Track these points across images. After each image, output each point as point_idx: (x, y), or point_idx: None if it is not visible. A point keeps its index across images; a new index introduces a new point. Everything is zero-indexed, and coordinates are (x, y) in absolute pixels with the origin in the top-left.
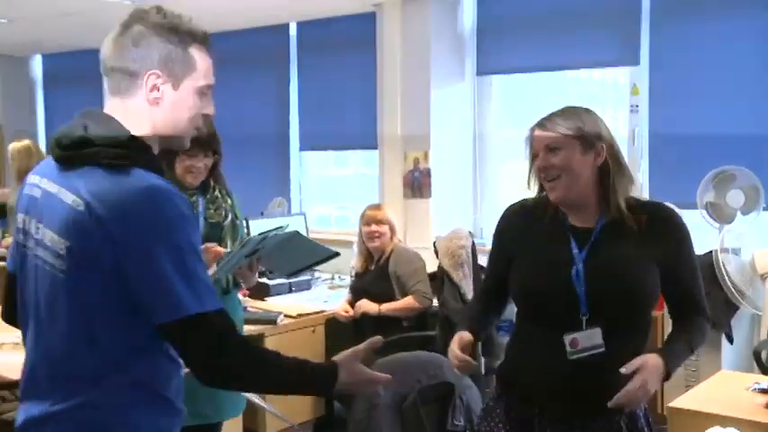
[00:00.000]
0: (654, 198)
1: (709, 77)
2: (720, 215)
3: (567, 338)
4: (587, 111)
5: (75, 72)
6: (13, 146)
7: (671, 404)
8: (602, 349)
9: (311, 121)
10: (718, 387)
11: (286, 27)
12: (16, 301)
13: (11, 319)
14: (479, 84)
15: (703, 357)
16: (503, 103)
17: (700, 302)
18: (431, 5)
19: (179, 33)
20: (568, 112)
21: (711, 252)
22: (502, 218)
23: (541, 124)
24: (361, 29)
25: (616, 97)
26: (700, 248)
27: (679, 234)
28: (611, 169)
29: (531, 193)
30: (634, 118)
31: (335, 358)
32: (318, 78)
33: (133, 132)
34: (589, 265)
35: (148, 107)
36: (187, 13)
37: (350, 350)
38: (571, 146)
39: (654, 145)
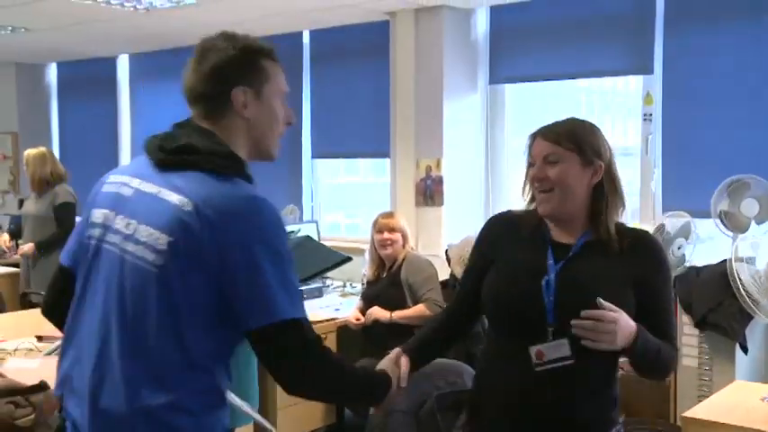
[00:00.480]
0: (668, 207)
1: (723, 85)
2: (734, 224)
3: (533, 350)
4: (591, 126)
5: (89, 79)
6: (28, 153)
7: (685, 414)
8: (571, 362)
9: (323, 129)
10: (732, 397)
11: (299, 35)
12: (61, 295)
13: (52, 312)
14: (492, 92)
15: (717, 367)
16: (515, 111)
17: (669, 332)
18: (444, 14)
19: (250, 51)
20: (572, 125)
21: (725, 261)
22: (484, 226)
23: (543, 133)
24: (375, 37)
25: (629, 106)
26: (713, 258)
27: (658, 261)
28: (605, 189)
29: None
30: (647, 127)
31: (381, 368)
32: (331, 86)
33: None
34: (561, 276)
35: (241, 123)
36: (200, 23)
37: (388, 360)
38: (570, 160)
39: (667, 154)
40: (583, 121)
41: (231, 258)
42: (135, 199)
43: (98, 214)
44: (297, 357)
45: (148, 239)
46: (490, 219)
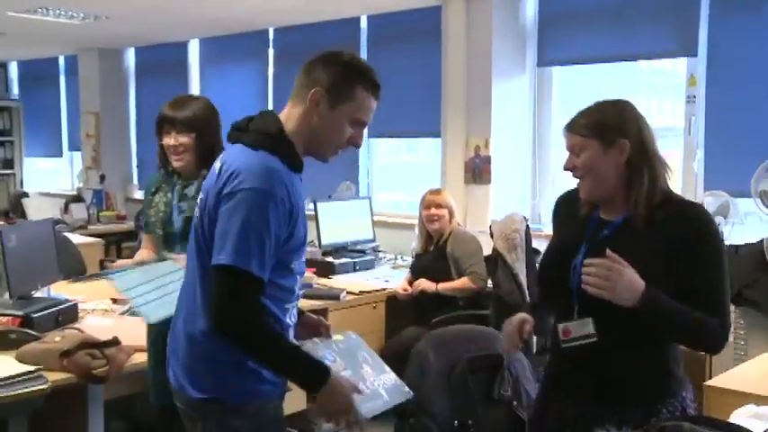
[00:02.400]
0: (709, 186)
1: (766, 68)
2: None
3: (561, 327)
4: (614, 105)
5: (163, 63)
6: None
7: (708, 382)
8: (594, 339)
9: (379, 110)
10: (760, 368)
11: (357, 20)
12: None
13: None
14: (540, 74)
15: (752, 342)
16: (562, 93)
17: (713, 308)
18: None
19: (349, 69)
20: (593, 110)
21: (763, 240)
22: (554, 204)
23: (567, 126)
24: (428, 22)
25: (673, 88)
26: (752, 237)
27: (697, 233)
28: (638, 164)
29: None
30: (691, 108)
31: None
32: (387, 69)
33: (287, 128)
34: (591, 256)
35: (305, 114)
36: (263, 10)
37: (347, 379)
38: (591, 146)
39: (710, 134)
40: (605, 102)
41: (223, 204)
42: None
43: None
44: (221, 302)
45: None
46: (558, 197)
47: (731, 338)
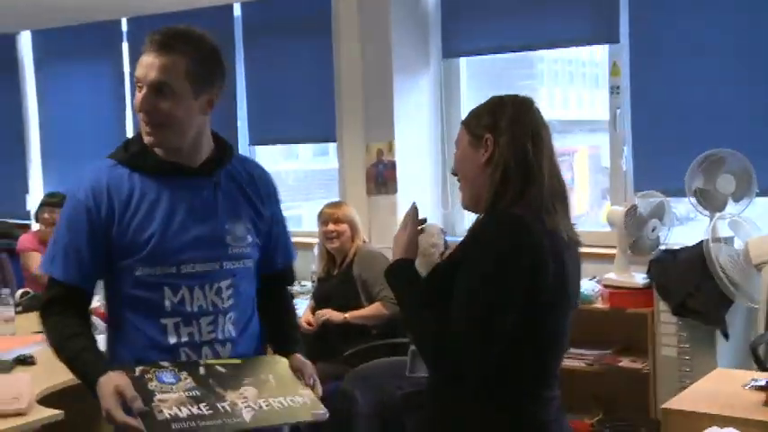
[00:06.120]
0: (639, 187)
1: (696, 54)
2: (711, 202)
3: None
4: (501, 97)
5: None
6: None
7: (664, 405)
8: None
9: (261, 113)
10: (713, 385)
11: (230, 9)
12: None
13: None
14: (446, 67)
15: (698, 356)
16: (472, 87)
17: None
18: None
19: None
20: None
21: (702, 242)
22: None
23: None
24: (315, 10)
25: (594, 77)
26: (691, 239)
27: (473, 240)
28: (500, 167)
29: None
30: (615, 100)
31: (110, 371)
32: (267, 66)
33: None
34: None
35: None
36: None
37: (122, 376)
38: (462, 140)
39: (637, 129)
40: (495, 96)
41: None
42: None
43: None
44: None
45: None
46: None
47: (674, 354)
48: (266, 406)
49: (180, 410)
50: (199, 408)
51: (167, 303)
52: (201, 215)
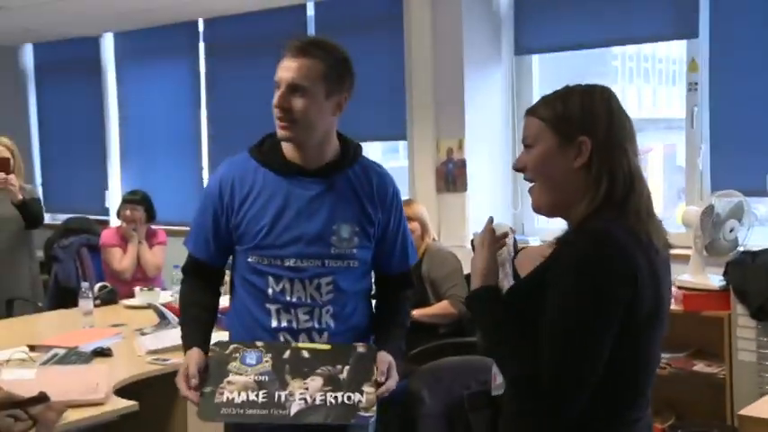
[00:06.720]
0: (717, 186)
1: None
2: None
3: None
4: (586, 90)
5: (71, 62)
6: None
7: (741, 412)
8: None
9: None
10: None
11: (303, 8)
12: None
13: None
14: (518, 64)
15: None
16: (545, 84)
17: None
18: None
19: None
20: (557, 95)
21: None
22: None
23: (528, 109)
24: (387, 8)
25: (671, 75)
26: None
27: (561, 264)
28: (594, 171)
29: None
30: (692, 97)
31: (199, 347)
32: None
33: None
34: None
35: None
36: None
37: (199, 353)
38: (545, 140)
39: (715, 126)
40: (575, 87)
41: None
42: None
43: None
44: None
45: None
46: None
47: (754, 359)
48: (320, 400)
49: (239, 395)
50: (257, 395)
51: (270, 291)
52: (310, 215)
